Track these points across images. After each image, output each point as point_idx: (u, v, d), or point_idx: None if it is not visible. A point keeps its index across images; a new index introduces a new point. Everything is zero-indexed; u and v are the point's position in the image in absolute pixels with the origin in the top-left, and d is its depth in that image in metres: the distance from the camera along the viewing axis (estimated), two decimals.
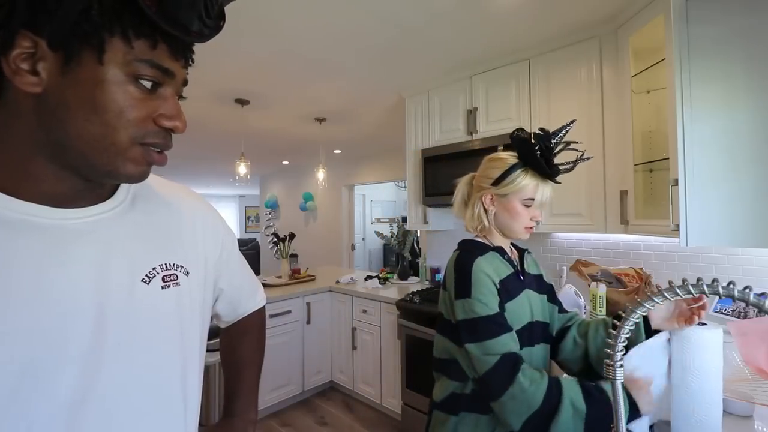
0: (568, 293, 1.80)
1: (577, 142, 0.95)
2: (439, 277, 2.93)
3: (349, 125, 3.80)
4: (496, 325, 0.87)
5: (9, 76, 0.40)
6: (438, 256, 3.06)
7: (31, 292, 0.42)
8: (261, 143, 4.62)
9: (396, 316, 2.53)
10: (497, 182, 0.97)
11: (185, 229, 0.60)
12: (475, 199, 1.02)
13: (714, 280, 0.50)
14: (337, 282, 3.18)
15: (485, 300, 0.88)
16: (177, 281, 0.55)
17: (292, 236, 3.42)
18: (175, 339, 0.54)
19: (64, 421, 0.43)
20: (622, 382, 0.58)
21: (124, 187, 0.54)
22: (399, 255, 3.56)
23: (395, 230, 3.66)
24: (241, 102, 2.99)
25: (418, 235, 3.67)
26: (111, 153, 0.44)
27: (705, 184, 1.33)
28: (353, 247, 6.27)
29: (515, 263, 1.01)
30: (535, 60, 2.11)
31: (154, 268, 0.53)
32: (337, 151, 5.34)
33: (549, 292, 1.06)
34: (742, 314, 1.57)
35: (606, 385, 0.81)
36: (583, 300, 1.80)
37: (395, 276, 3.27)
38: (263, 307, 0.85)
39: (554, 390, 0.80)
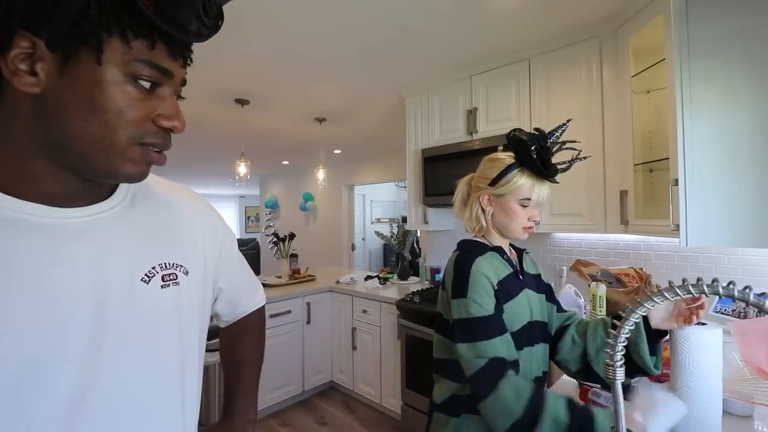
0: (568, 293, 1.80)
1: (575, 141, 0.95)
2: (439, 277, 2.93)
3: (349, 125, 3.80)
4: (489, 327, 0.87)
5: (7, 77, 0.40)
6: (438, 256, 3.06)
7: (30, 291, 0.42)
8: (261, 143, 4.62)
9: (396, 316, 2.53)
10: (494, 182, 0.97)
11: (185, 229, 0.60)
12: (473, 199, 1.02)
13: (714, 280, 0.50)
14: (337, 282, 3.18)
15: (480, 301, 0.88)
16: (176, 281, 0.55)
17: (292, 236, 3.42)
18: (174, 338, 0.54)
19: (63, 420, 0.43)
20: (620, 381, 0.57)
21: (123, 187, 0.54)
22: (399, 255, 3.56)
23: (395, 230, 3.66)
24: (241, 102, 2.99)
25: (418, 235, 3.67)
26: (110, 153, 0.44)
27: (705, 184, 1.33)
28: (353, 247, 6.27)
29: (514, 263, 1.01)
30: (535, 60, 2.11)
31: (153, 268, 0.53)
32: (337, 151, 5.34)
33: (547, 291, 1.07)
34: (742, 314, 1.57)
35: (596, 412, 0.78)
36: (583, 300, 1.80)
37: (395, 276, 3.27)
38: (263, 307, 0.85)
39: (536, 402, 0.78)
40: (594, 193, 1.90)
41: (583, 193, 1.94)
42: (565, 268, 2.19)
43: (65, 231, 0.46)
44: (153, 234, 0.55)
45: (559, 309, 1.09)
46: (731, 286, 0.48)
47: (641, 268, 1.85)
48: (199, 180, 8.51)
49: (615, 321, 0.78)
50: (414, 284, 3.07)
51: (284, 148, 5.04)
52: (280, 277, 3.30)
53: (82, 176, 0.46)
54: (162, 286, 0.53)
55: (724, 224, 1.31)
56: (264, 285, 2.93)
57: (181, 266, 0.56)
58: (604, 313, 1.81)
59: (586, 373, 0.98)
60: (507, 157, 0.97)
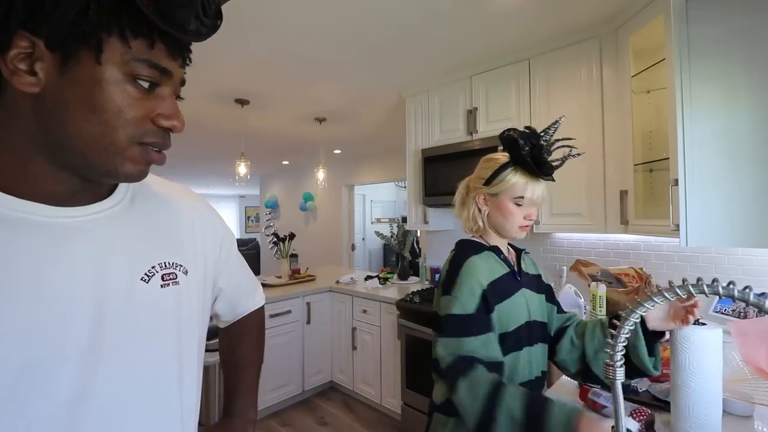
0: (568, 293, 1.80)
1: (570, 138, 0.96)
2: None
3: (349, 125, 3.80)
4: (465, 326, 0.87)
5: (7, 77, 0.40)
6: (438, 256, 3.06)
7: (29, 290, 0.42)
8: (261, 143, 4.62)
9: (396, 316, 2.53)
10: (488, 182, 0.98)
11: (184, 229, 0.60)
12: (470, 199, 1.03)
13: (714, 280, 0.50)
14: (337, 282, 3.18)
15: (463, 300, 0.89)
16: (176, 280, 0.55)
17: (292, 236, 3.42)
18: (173, 338, 0.54)
19: (63, 419, 0.43)
20: (621, 381, 0.57)
21: (122, 187, 0.54)
22: (399, 255, 3.56)
23: (395, 230, 3.66)
24: (241, 102, 2.99)
25: (418, 235, 3.67)
26: (110, 152, 0.44)
27: (705, 184, 1.33)
28: (353, 247, 6.27)
29: (512, 263, 1.01)
30: (535, 60, 2.11)
31: (153, 267, 0.53)
32: (337, 151, 5.34)
33: (547, 292, 1.07)
34: (742, 314, 1.57)
35: (551, 403, 0.76)
36: (583, 300, 1.80)
37: (395, 276, 3.27)
38: (262, 307, 0.85)
39: (492, 399, 0.78)
40: (594, 193, 1.90)
41: (583, 193, 1.94)
42: (565, 268, 2.19)
43: (65, 230, 0.46)
44: (153, 233, 0.55)
45: (560, 310, 1.09)
46: (731, 286, 0.48)
47: (641, 268, 1.85)
48: (199, 180, 8.51)
49: (615, 321, 0.77)
50: (414, 284, 3.07)
51: (284, 148, 5.04)
52: (280, 277, 3.30)
53: (81, 176, 0.46)
54: (162, 286, 0.53)
55: (724, 224, 1.31)
56: (264, 285, 2.93)
57: (181, 266, 0.56)
58: (604, 313, 1.81)
59: (585, 374, 0.98)
60: (502, 157, 0.98)
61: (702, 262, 1.81)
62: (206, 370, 2.26)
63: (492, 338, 0.88)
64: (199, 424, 0.63)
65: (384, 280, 3.15)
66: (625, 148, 1.75)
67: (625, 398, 0.67)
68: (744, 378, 1.06)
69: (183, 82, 0.49)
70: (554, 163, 0.95)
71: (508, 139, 0.94)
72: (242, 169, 3.22)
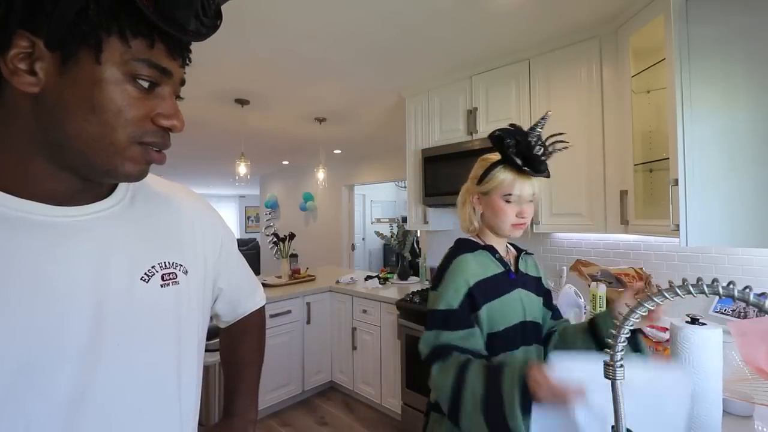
0: (568, 293, 1.80)
1: (561, 134, 0.95)
2: None
3: (349, 125, 3.80)
4: (446, 320, 0.90)
5: (7, 77, 0.40)
6: (438, 256, 3.05)
7: (29, 289, 0.42)
8: (261, 143, 4.62)
9: (396, 316, 2.53)
10: (480, 181, 0.99)
11: (184, 229, 0.60)
12: (466, 199, 1.05)
13: (714, 280, 0.50)
14: (337, 282, 3.18)
15: (447, 295, 0.92)
16: (176, 280, 0.55)
17: (292, 236, 3.42)
18: (172, 338, 0.54)
19: (62, 419, 0.43)
20: (621, 382, 0.57)
21: (122, 186, 0.54)
22: (399, 255, 3.56)
23: (395, 230, 3.66)
24: (241, 102, 2.99)
25: (418, 235, 3.66)
26: (110, 152, 0.44)
27: (705, 184, 1.33)
28: (353, 247, 6.27)
29: (508, 263, 1.02)
30: (535, 60, 2.11)
31: (153, 267, 0.53)
32: (337, 151, 5.34)
33: (545, 296, 1.07)
34: (742, 314, 1.57)
35: (504, 374, 0.77)
36: (583, 300, 1.80)
37: (395, 276, 3.27)
38: (263, 307, 0.85)
39: (458, 381, 0.81)
40: (594, 193, 1.90)
41: (583, 193, 1.94)
42: (565, 268, 2.19)
43: (65, 230, 0.46)
44: (152, 233, 0.55)
45: (554, 316, 1.09)
46: (731, 286, 0.48)
47: (641, 268, 1.86)
48: (199, 180, 8.51)
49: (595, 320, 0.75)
50: (414, 284, 3.07)
51: (284, 148, 5.04)
52: (280, 277, 3.30)
53: (81, 175, 0.46)
54: (161, 286, 0.53)
55: (724, 224, 1.31)
56: (264, 285, 2.93)
57: (181, 266, 0.56)
58: None
59: None
60: (495, 157, 0.99)
61: (702, 262, 1.81)
62: (206, 370, 2.26)
63: (474, 333, 0.90)
64: (200, 424, 0.63)
65: (384, 280, 3.15)
66: (625, 148, 1.75)
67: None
68: (744, 378, 1.06)
69: (183, 82, 0.49)
70: (543, 157, 0.95)
71: (495, 138, 0.95)
72: (242, 169, 3.22)
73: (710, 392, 0.81)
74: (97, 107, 0.42)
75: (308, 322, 2.96)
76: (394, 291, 2.84)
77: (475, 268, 0.95)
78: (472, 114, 2.38)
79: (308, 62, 2.30)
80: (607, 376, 0.58)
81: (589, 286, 1.77)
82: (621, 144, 1.78)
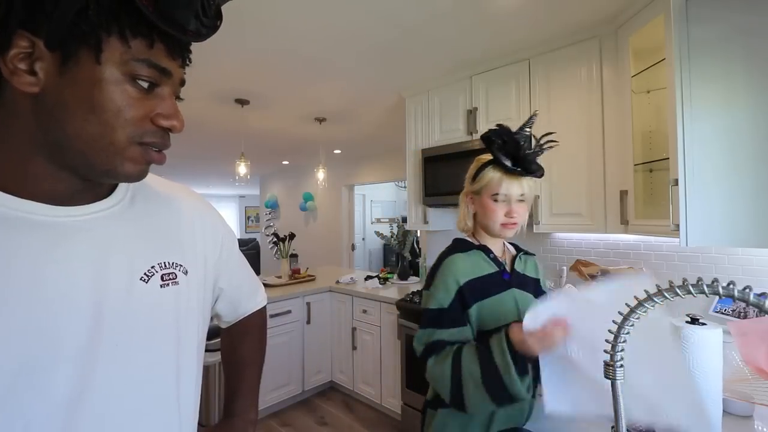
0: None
1: (551, 133, 0.97)
2: None
3: (349, 125, 3.80)
4: (438, 318, 0.93)
5: (7, 77, 0.40)
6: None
7: (28, 289, 0.42)
8: (261, 143, 4.62)
9: (396, 316, 2.53)
10: (472, 181, 1.02)
11: (184, 229, 0.60)
12: (461, 200, 1.06)
13: (714, 280, 0.50)
14: (337, 282, 3.18)
15: (437, 295, 0.95)
16: (176, 280, 0.55)
17: (292, 236, 3.42)
18: (172, 338, 0.54)
19: (60, 419, 0.43)
20: (621, 382, 0.57)
21: (122, 186, 0.54)
22: (399, 255, 3.56)
23: (395, 230, 3.66)
24: (241, 102, 2.99)
25: (418, 235, 3.66)
26: (109, 152, 0.44)
27: (705, 184, 1.33)
28: (353, 247, 6.27)
29: (502, 263, 1.02)
30: (535, 60, 2.11)
31: (152, 267, 0.52)
32: (337, 151, 5.34)
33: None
34: (742, 314, 1.57)
35: (492, 344, 0.83)
36: None
37: (395, 276, 3.27)
38: (264, 307, 0.85)
39: (456, 365, 0.85)
40: (594, 193, 1.90)
41: (583, 193, 1.94)
42: (565, 268, 2.19)
43: (64, 229, 0.46)
44: (152, 233, 0.55)
45: None
46: (731, 286, 0.48)
47: (641, 268, 1.85)
48: (199, 180, 8.51)
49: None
50: (414, 284, 3.07)
51: (284, 148, 5.04)
52: (280, 277, 3.30)
53: (81, 175, 0.46)
54: (161, 286, 0.53)
55: (724, 224, 1.31)
56: (264, 285, 2.91)
57: (181, 266, 0.56)
58: None
59: None
60: (488, 157, 1.00)
61: (702, 262, 1.81)
62: (206, 370, 2.26)
63: (465, 331, 0.93)
64: (200, 424, 0.63)
65: (384, 280, 3.15)
66: (625, 148, 1.75)
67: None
68: (744, 378, 1.06)
69: (183, 83, 0.49)
70: (526, 157, 0.95)
71: (485, 139, 0.97)
72: (242, 169, 3.22)
73: (710, 392, 0.81)
74: (96, 107, 0.42)
75: (308, 322, 2.96)
76: (394, 291, 2.84)
77: (465, 268, 0.96)
78: (472, 114, 2.38)
79: (308, 62, 2.30)
80: (607, 376, 0.58)
81: None
82: (621, 144, 1.78)
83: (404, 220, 4.44)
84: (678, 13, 1.34)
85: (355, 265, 6.28)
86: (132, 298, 0.49)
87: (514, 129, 0.95)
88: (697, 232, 1.33)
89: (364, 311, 2.83)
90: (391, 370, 2.63)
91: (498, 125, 0.96)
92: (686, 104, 1.34)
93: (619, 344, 0.57)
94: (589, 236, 2.20)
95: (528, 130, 0.94)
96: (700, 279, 0.51)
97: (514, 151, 0.93)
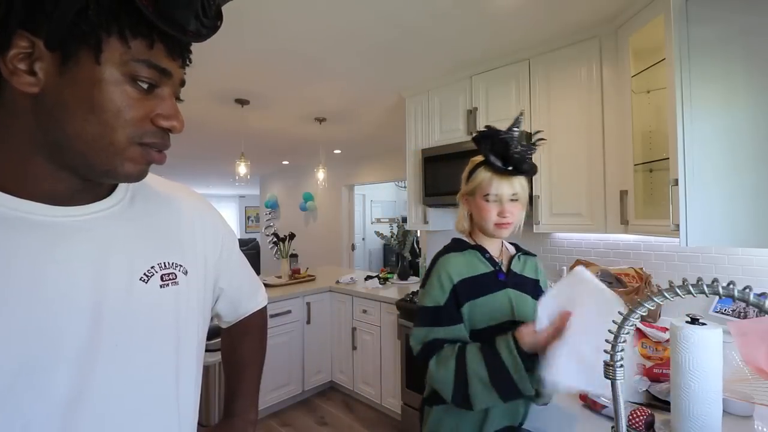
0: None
1: (539, 131, 0.98)
2: None
3: (349, 125, 3.80)
4: (434, 316, 0.95)
5: (6, 77, 0.40)
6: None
7: (27, 289, 0.42)
8: (261, 143, 4.62)
9: (396, 316, 2.53)
10: (466, 182, 1.03)
11: (185, 229, 0.60)
12: (459, 201, 1.08)
13: (714, 280, 0.50)
14: (337, 282, 3.18)
15: (432, 293, 0.97)
16: (176, 280, 0.55)
17: (292, 236, 3.42)
18: (171, 338, 0.54)
19: (60, 419, 0.43)
20: (621, 382, 0.57)
21: (122, 186, 0.54)
22: (399, 255, 3.56)
23: (395, 230, 3.66)
24: (241, 102, 2.99)
25: (418, 235, 3.67)
26: (110, 153, 0.44)
27: (705, 184, 1.33)
28: (353, 247, 6.27)
29: (499, 262, 1.03)
30: (535, 60, 2.11)
31: (152, 267, 0.52)
32: (337, 151, 5.34)
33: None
34: (742, 314, 1.57)
35: (499, 346, 0.85)
36: None
37: (395, 276, 3.27)
38: (265, 308, 0.85)
39: (460, 366, 0.87)
40: (594, 193, 1.90)
41: (583, 193, 1.94)
42: (565, 268, 2.19)
43: (64, 230, 0.46)
44: (152, 233, 0.55)
45: None
46: (731, 286, 0.48)
47: (641, 268, 1.86)
48: (199, 180, 8.51)
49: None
50: (414, 284, 3.06)
51: (284, 148, 5.04)
52: (280, 277, 3.30)
53: (81, 175, 0.46)
54: (161, 286, 0.53)
55: (724, 224, 1.31)
56: (264, 285, 2.92)
57: (181, 266, 0.56)
58: None
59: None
60: (480, 158, 1.02)
61: (702, 262, 1.81)
62: (206, 370, 2.26)
63: (460, 329, 0.94)
64: (200, 424, 0.63)
65: (384, 280, 3.15)
66: (625, 148, 1.75)
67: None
68: (744, 378, 1.06)
69: (183, 83, 0.49)
70: (515, 156, 0.96)
71: (475, 140, 0.98)
72: (242, 169, 3.22)
73: (710, 392, 0.81)
74: (96, 107, 0.42)
75: (308, 322, 2.96)
76: (394, 291, 2.84)
77: (459, 267, 0.98)
78: (472, 114, 2.38)
79: (308, 62, 2.30)
80: (607, 376, 0.58)
81: None
82: (621, 144, 1.78)
83: (404, 220, 4.44)
84: (678, 13, 1.34)
85: (355, 265, 6.28)
86: (132, 299, 0.49)
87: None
88: (697, 232, 1.33)
89: (364, 311, 2.83)
90: (391, 370, 2.63)
91: (486, 127, 0.98)
92: (686, 104, 1.34)
93: (619, 344, 0.57)
94: (589, 236, 2.20)
95: (516, 130, 0.95)
96: (700, 279, 0.51)
97: (503, 151, 0.94)
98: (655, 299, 0.55)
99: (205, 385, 2.28)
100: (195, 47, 0.48)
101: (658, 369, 1.15)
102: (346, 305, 2.98)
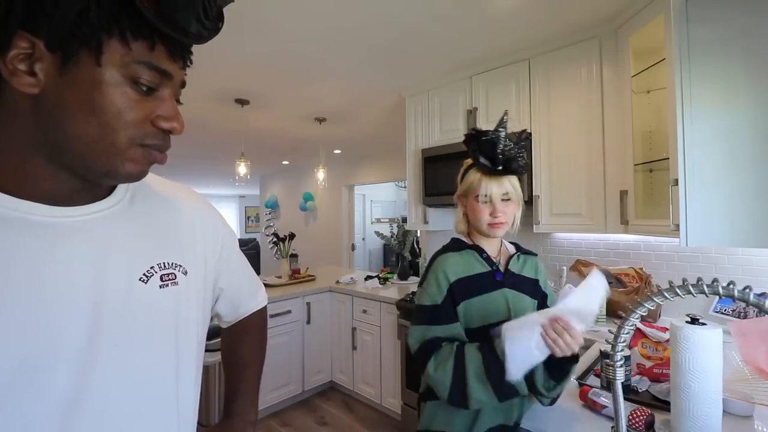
0: (567, 293, 1.80)
1: (524, 131, 1.00)
2: None
3: (349, 125, 3.80)
4: (431, 315, 0.96)
5: (6, 77, 0.40)
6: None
7: (27, 289, 0.42)
8: (261, 143, 4.62)
9: (396, 316, 2.53)
10: (460, 184, 1.06)
11: (184, 229, 0.60)
12: (455, 202, 1.10)
13: (714, 280, 0.50)
14: (337, 282, 3.18)
15: (429, 291, 0.98)
16: (175, 280, 0.55)
17: (292, 236, 3.42)
18: (171, 339, 0.54)
19: (59, 419, 0.43)
20: (622, 382, 0.57)
21: (122, 186, 0.54)
22: (399, 255, 3.56)
23: (395, 230, 3.66)
24: (241, 102, 2.99)
25: (418, 235, 3.67)
26: (110, 154, 0.44)
27: (705, 184, 1.33)
28: (353, 247, 6.27)
29: (496, 262, 1.03)
30: (535, 60, 2.11)
31: (152, 267, 0.52)
32: (337, 151, 5.34)
33: (542, 299, 1.07)
34: (742, 314, 1.57)
35: (497, 345, 0.85)
36: None
37: (395, 276, 3.27)
38: (265, 308, 0.85)
39: (458, 366, 0.88)
40: (594, 193, 1.90)
41: (583, 193, 1.94)
42: (565, 268, 2.19)
43: (63, 230, 0.46)
44: (152, 233, 0.55)
45: None
46: (731, 286, 0.48)
47: (641, 268, 1.86)
48: (199, 180, 8.51)
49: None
50: (414, 284, 3.06)
51: (284, 148, 5.04)
52: (280, 277, 3.30)
53: (80, 176, 0.46)
54: (160, 286, 0.53)
55: (724, 224, 1.31)
56: (264, 285, 2.92)
57: (180, 266, 0.56)
58: (605, 313, 1.81)
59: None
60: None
61: (702, 262, 1.81)
62: (206, 370, 2.26)
63: (457, 327, 0.95)
64: (200, 424, 0.63)
65: (384, 280, 3.15)
66: (625, 148, 1.75)
67: (624, 398, 0.68)
68: (744, 378, 1.06)
69: (183, 84, 0.49)
70: (503, 156, 0.97)
71: (464, 142, 1.00)
72: (242, 169, 3.22)
73: (710, 392, 0.81)
74: (97, 109, 0.42)
75: (308, 322, 2.96)
76: (394, 291, 2.84)
77: (456, 266, 0.99)
78: (472, 114, 2.38)
79: (308, 62, 2.30)
80: (607, 376, 0.58)
81: None
82: (621, 144, 1.78)
83: (404, 220, 4.44)
84: (678, 14, 1.34)
85: (355, 265, 6.28)
86: (131, 299, 0.49)
87: (513, 129, 0.97)
88: (697, 232, 1.33)
89: (364, 311, 2.83)
90: (391, 370, 2.63)
91: (473, 129, 0.99)
92: (686, 104, 1.34)
93: (619, 344, 0.57)
94: (589, 236, 2.20)
95: (501, 130, 0.96)
96: (700, 279, 0.51)
97: (491, 152, 0.96)
98: (655, 299, 0.55)
99: (205, 385, 2.28)
100: (195, 47, 0.48)
101: (658, 369, 1.15)
102: (346, 305, 2.98)
